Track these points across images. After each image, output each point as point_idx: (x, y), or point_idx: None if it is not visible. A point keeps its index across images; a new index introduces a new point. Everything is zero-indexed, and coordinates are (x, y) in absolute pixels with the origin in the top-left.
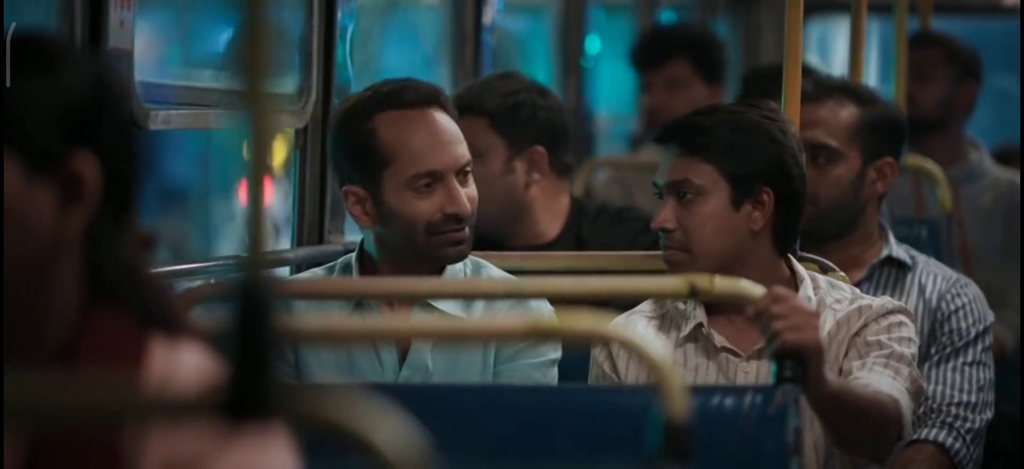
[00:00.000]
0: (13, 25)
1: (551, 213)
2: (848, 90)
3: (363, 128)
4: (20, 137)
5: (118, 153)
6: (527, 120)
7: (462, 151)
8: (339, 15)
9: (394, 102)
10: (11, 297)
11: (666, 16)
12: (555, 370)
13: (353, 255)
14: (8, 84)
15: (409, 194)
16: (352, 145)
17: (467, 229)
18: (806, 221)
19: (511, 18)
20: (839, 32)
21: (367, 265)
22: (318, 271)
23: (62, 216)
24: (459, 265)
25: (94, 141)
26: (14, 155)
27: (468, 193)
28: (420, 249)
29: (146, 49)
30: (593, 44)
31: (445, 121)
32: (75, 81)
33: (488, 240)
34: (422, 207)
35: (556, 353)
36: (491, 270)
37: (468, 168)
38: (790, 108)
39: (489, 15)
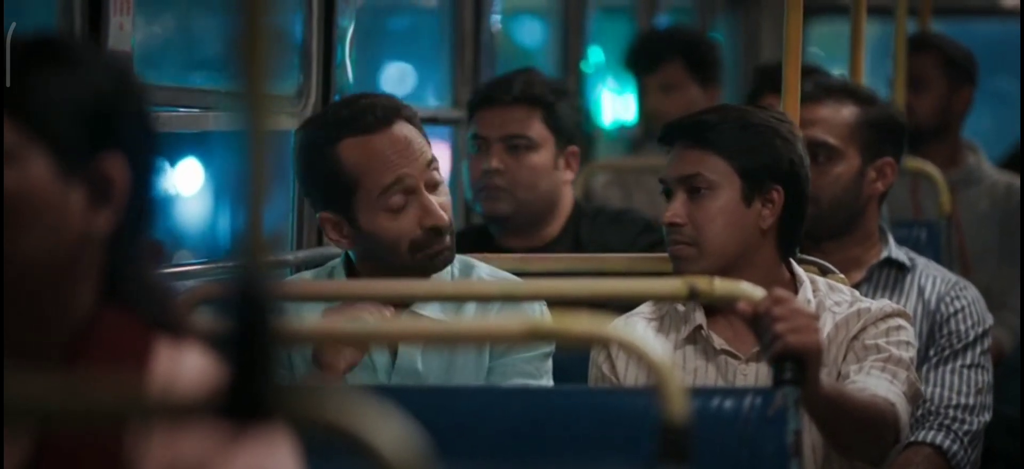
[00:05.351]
0: (13, 26)
1: (557, 212)
2: (848, 90)
3: (327, 156)
4: (51, 136)
5: (145, 156)
6: (568, 119)
7: (425, 152)
8: (339, 16)
9: (356, 127)
10: (31, 296)
11: (665, 19)
12: (549, 364)
13: (339, 261)
14: (8, 84)
15: (383, 215)
16: (318, 174)
17: (448, 237)
18: (807, 220)
19: (512, 21)
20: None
21: (352, 272)
22: (307, 274)
23: (90, 217)
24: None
25: (122, 143)
26: (46, 154)
27: (441, 201)
28: (405, 265)
29: (146, 51)
30: (595, 54)
31: (407, 132)
32: (101, 81)
33: (487, 234)
34: (401, 226)
35: (549, 347)
36: (480, 269)
37: (437, 176)
38: (790, 108)
39: (489, 17)
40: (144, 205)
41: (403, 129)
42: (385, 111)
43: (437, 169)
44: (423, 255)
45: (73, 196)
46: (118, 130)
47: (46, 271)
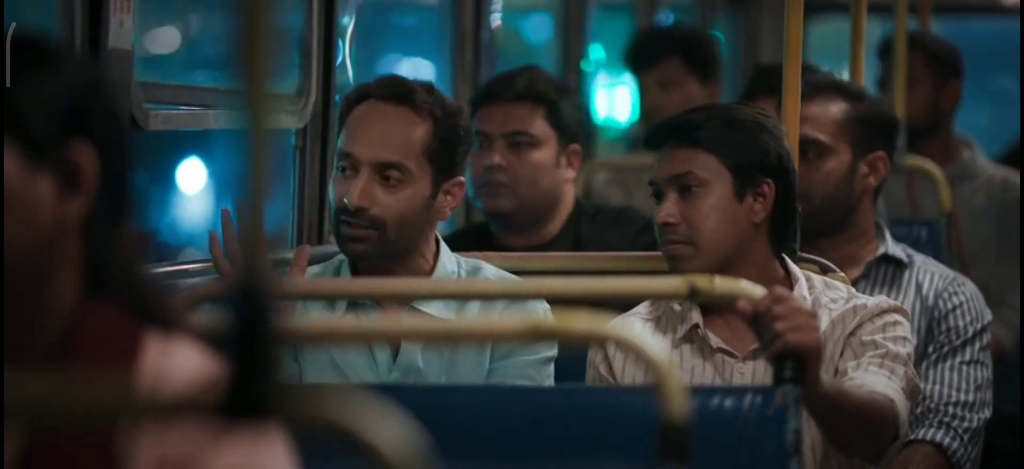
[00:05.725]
0: (13, 25)
1: (558, 210)
2: (836, 86)
3: (352, 104)
4: (19, 128)
5: (114, 145)
6: (571, 117)
7: (384, 152)
8: (339, 14)
9: (370, 92)
10: (10, 289)
11: (665, 17)
12: (551, 368)
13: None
14: (8, 84)
15: (336, 173)
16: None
17: (366, 231)
18: (800, 218)
19: (513, 18)
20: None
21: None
22: (314, 269)
23: (61, 205)
24: (453, 266)
25: (91, 132)
26: (14, 145)
27: (381, 198)
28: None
29: (146, 50)
30: (596, 52)
31: (396, 118)
32: (72, 75)
33: (488, 232)
34: (335, 189)
35: (552, 351)
36: (487, 271)
37: (393, 177)
38: (790, 107)
39: (489, 14)
40: (118, 194)
41: (396, 113)
42: (397, 87)
43: (407, 173)
44: (335, 229)
45: (41, 185)
46: (87, 121)
47: (22, 263)
